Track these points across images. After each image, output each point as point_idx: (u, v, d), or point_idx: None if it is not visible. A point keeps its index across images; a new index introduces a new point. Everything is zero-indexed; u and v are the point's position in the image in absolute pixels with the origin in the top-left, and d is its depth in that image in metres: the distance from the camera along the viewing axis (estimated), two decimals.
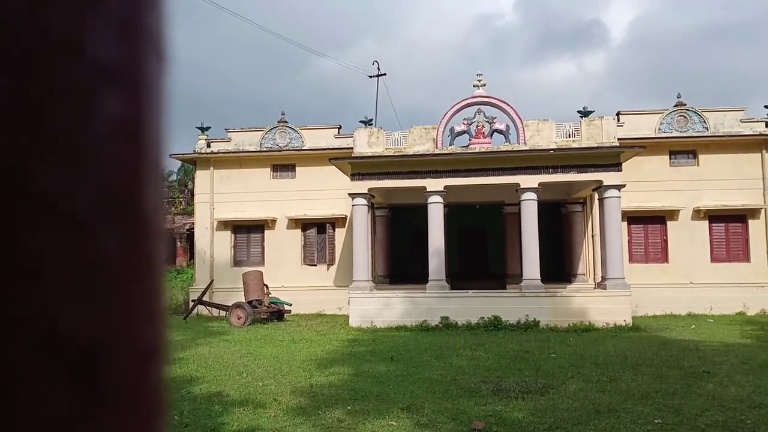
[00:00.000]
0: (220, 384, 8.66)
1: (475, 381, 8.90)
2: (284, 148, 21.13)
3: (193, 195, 37.22)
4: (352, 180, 16.80)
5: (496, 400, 7.79)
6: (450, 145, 16.75)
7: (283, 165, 21.38)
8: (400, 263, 21.63)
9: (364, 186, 16.62)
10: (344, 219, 20.35)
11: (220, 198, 21.23)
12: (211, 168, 21.41)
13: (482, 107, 16.77)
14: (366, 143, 16.93)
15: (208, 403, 7.47)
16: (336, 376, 9.34)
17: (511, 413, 7.05)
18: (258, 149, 21.18)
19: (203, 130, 21.67)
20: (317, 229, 20.90)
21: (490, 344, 12.60)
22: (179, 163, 40.16)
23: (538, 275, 15.88)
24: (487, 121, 16.60)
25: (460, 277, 19.66)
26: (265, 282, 17.79)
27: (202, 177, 21.64)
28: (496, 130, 16.65)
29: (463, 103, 16.78)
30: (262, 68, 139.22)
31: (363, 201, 16.69)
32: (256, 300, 17.09)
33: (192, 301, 19.01)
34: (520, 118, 16.48)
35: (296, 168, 21.25)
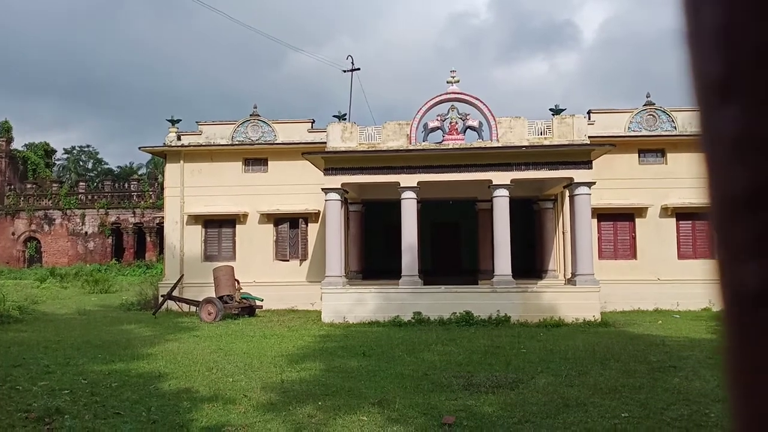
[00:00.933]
0: (189, 380, 8.53)
1: (447, 376, 8.93)
2: (256, 142, 20.89)
3: (163, 189, 36.69)
4: (325, 175, 16.70)
5: (467, 394, 7.82)
6: (424, 141, 16.76)
7: (255, 159, 21.15)
8: (374, 259, 21.60)
9: (337, 181, 16.53)
10: (317, 214, 20.22)
11: (190, 192, 20.91)
12: (182, 161, 21.06)
13: (456, 104, 16.81)
14: (340, 138, 16.83)
15: (176, 399, 7.35)
16: (307, 371, 9.27)
17: (482, 407, 7.09)
18: (230, 143, 20.91)
19: (173, 122, 21.30)
20: (290, 224, 20.74)
21: (462, 339, 12.65)
22: (149, 156, 39.41)
23: (509, 271, 16.00)
24: (461, 118, 16.64)
25: (433, 272, 19.71)
26: (236, 277, 17.59)
27: (172, 170, 21.28)
28: (470, 127, 16.72)
29: (437, 99, 16.80)
30: (238, 63, 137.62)
31: (336, 196, 16.61)
32: (227, 295, 16.89)
33: (161, 296, 18.71)
34: (493, 115, 16.56)
35: (269, 162, 21.04)
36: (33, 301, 20.18)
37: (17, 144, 44.62)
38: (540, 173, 16.18)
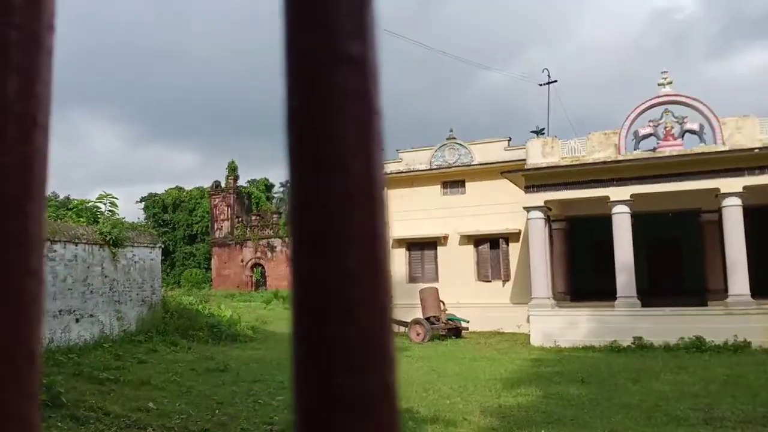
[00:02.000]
0: (408, 400, 8.73)
1: (681, 408, 8.08)
2: (453, 165, 21.19)
3: None
4: (526, 192, 16.29)
5: (710, 429, 6.96)
6: (634, 150, 15.56)
7: (453, 181, 21.45)
8: (581, 279, 20.45)
9: (539, 198, 16.02)
10: (518, 233, 19.80)
11: (394, 216, 21.82)
12: (385, 189, 22.06)
13: (669, 107, 15.38)
14: (540, 154, 16.35)
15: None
16: (524, 396, 8.97)
17: None
18: (428, 167, 21.48)
19: None
20: (490, 245, 20.58)
21: (694, 367, 11.39)
22: None
23: (747, 290, 14.08)
24: (677, 122, 15.17)
25: (649, 293, 18.05)
26: (441, 298, 17.85)
27: None
28: (688, 131, 15.15)
29: (648, 104, 15.52)
30: (427, 88, 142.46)
31: (539, 214, 16.09)
32: (434, 316, 17.19)
33: None
34: (715, 116, 14.85)
35: (466, 183, 21.18)
36: (263, 322, 22.47)
37: (242, 181, 50.74)
38: None
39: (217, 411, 8.00)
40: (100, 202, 15.43)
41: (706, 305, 15.70)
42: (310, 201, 0.34)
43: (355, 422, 0.31)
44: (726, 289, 14.69)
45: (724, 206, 14.53)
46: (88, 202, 16.39)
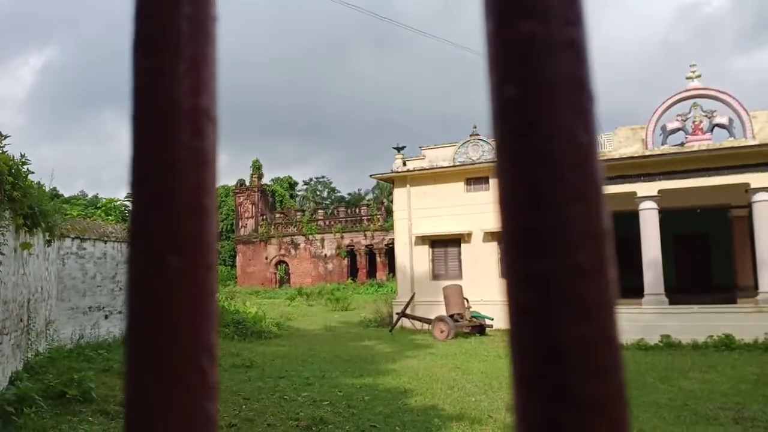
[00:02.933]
0: (434, 398, 8.73)
1: (711, 407, 7.95)
2: (477, 161, 21.07)
3: (388, 212, 38.92)
4: None
5: (740, 429, 6.83)
6: (662, 144, 15.30)
7: (477, 178, 21.31)
8: None
9: None
10: None
11: (417, 214, 21.78)
12: (408, 185, 22.09)
13: (698, 101, 15.09)
14: None
15: (425, 415, 7.55)
16: None
17: None
18: (451, 164, 21.39)
19: (399, 149, 22.51)
20: None
21: (724, 366, 11.18)
22: (374, 182, 42.12)
23: None
24: (706, 116, 14.87)
25: (677, 290, 17.79)
26: (464, 296, 17.78)
27: (399, 194, 22.42)
28: (717, 125, 14.85)
29: (676, 98, 15.24)
30: (451, 86, 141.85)
31: None
32: (458, 314, 17.14)
33: (396, 313, 19.67)
34: (745, 109, 14.53)
35: (490, 180, 21.04)
36: (287, 318, 22.66)
37: (266, 179, 51.08)
38: None
39: (243, 406, 8.10)
40: (129, 200, 15.68)
41: (736, 303, 15.40)
42: (536, 198, 0.32)
43: (594, 422, 0.30)
44: (756, 286, 14.38)
45: (754, 201, 14.21)
46: (116, 201, 16.67)
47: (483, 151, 21.11)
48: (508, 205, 0.33)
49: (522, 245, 0.33)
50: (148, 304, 0.34)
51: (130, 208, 0.36)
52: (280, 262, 45.81)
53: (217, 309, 0.35)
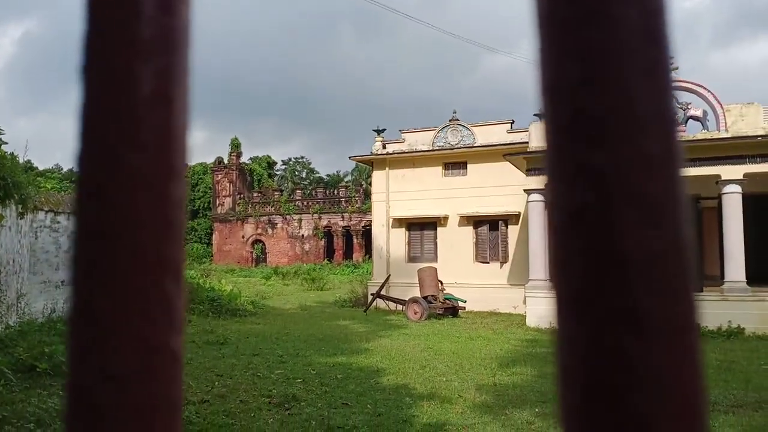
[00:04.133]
0: (405, 377, 8.89)
1: None
2: (456, 146, 21.19)
3: (366, 194, 38.92)
4: (527, 175, 16.33)
5: None
6: None
7: (455, 163, 21.45)
8: None
9: (541, 181, 16.05)
10: (517, 216, 19.88)
11: (394, 197, 21.88)
12: (387, 168, 22.14)
13: (674, 92, 15.31)
14: (542, 137, 16.34)
15: (396, 394, 7.70)
16: (519, 376, 9.12)
17: (722, 430, 6.34)
18: (430, 148, 21.48)
19: (379, 132, 22.51)
20: (489, 226, 20.67)
21: None
22: (353, 164, 42.11)
23: (743, 277, 14.17)
24: (681, 108, 15.14)
25: None
26: (439, 278, 17.99)
27: (378, 177, 22.47)
28: (692, 117, 15.14)
29: None
30: (434, 71, 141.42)
31: (539, 197, 16.14)
32: (431, 296, 17.34)
33: (371, 294, 19.83)
34: (719, 102, 14.82)
35: (468, 165, 21.19)
36: (262, 297, 22.68)
37: (245, 158, 50.63)
38: None
39: (216, 383, 8.17)
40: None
41: (702, 291, 15.83)
42: (590, 173, 0.26)
43: (664, 354, 0.25)
44: (722, 276, 14.78)
45: (723, 193, 14.55)
46: None
47: (462, 136, 21.23)
48: (555, 83, 0.27)
49: (574, 132, 0.27)
50: (99, 211, 0.29)
51: (80, 92, 0.31)
52: (256, 241, 45.64)
53: (184, 222, 0.31)
